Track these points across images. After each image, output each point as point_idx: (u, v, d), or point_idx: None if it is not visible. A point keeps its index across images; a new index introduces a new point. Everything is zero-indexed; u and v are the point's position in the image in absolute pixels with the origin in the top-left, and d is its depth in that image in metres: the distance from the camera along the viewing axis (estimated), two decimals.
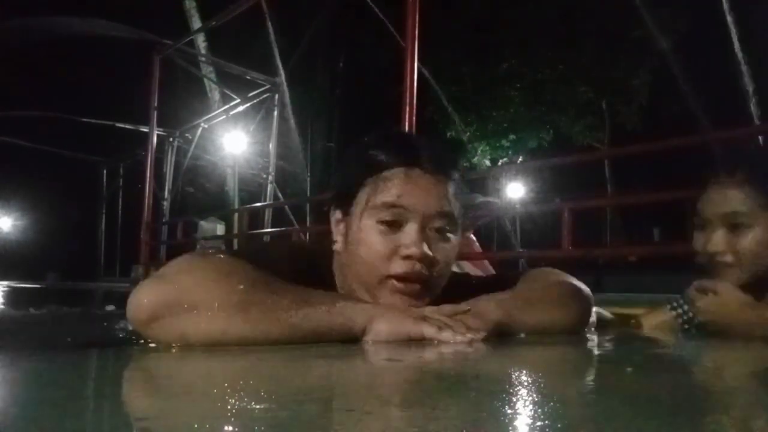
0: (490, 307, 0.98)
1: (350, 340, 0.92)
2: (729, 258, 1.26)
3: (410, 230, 0.94)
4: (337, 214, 1.03)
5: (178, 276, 0.88)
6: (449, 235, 0.99)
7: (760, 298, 1.29)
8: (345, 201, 1.00)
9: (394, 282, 0.95)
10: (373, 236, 0.95)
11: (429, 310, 0.95)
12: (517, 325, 1.00)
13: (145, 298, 0.86)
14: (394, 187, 0.94)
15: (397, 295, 0.95)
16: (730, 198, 1.26)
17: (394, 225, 0.95)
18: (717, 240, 1.27)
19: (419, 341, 0.91)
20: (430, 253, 0.94)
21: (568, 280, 1.13)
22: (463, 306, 0.96)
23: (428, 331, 0.90)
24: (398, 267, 0.94)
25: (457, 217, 1.00)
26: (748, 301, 1.22)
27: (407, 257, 0.93)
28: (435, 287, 0.98)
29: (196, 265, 0.90)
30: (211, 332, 0.83)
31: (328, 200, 1.07)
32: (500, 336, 0.98)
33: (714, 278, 1.29)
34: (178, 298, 0.84)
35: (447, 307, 0.95)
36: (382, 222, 0.94)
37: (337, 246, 1.02)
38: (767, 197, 1.25)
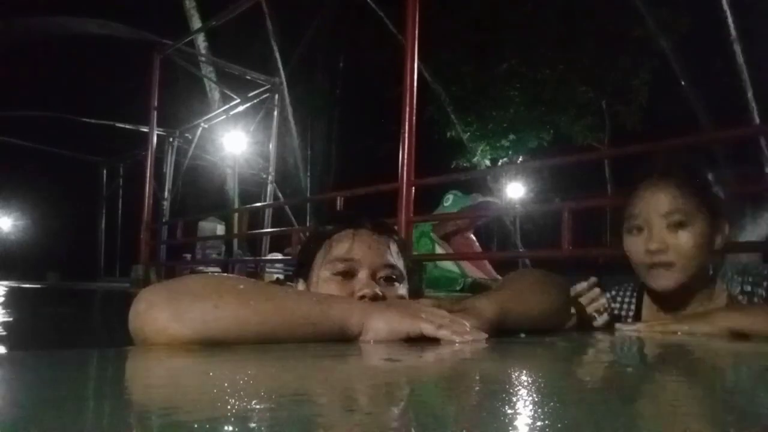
0: (483, 304, 1.01)
1: (347, 339, 0.92)
2: (671, 257, 1.26)
3: (362, 276, 1.08)
4: (299, 286, 1.17)
5: (179, 278, 0.92)
6: (396, 283, 1.12)
7: (688, 299, 1.30)
8: (305, 270, 1.15)
9: None
10: (330, 286, 1.08)
11: (427, 306, 0.96)
12: (509, 316, 1.03)
13: (144, 293, 0.87)
14: (345, 243, 1.10)
15: None
16: (668, 198, 1.27)
17: (347, 275, 1.09)
18: (660, 238, 1.26)
19: (418, 341, 0.91)
20: (380, 293, 1.06)
21: (548, 273, 1.21)
22: (459, 305, 0.99)
23: (427, 328, 0.91)
24: None
25: (402, 269, 1.14)
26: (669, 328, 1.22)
27: (362, 297, 1.04)
28: None
29: (196, 275, 0.95)
30: (205, 313, 0.84)
31: (293, 276, 1.21)
32: (496, 330, 1.00)
33: (650, 283, 1.30)
34: (175, 288, 0.87)
35: (444, 306, 0.98)
36: (337, 273, 1.09)
37: None
38: (702, 198, 1.26)
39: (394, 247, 1.15)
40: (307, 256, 1.16)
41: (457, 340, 0.90)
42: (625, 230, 1.36)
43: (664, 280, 1.28)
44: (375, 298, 1.04)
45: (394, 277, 1.11)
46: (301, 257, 1.19)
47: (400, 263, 1.14)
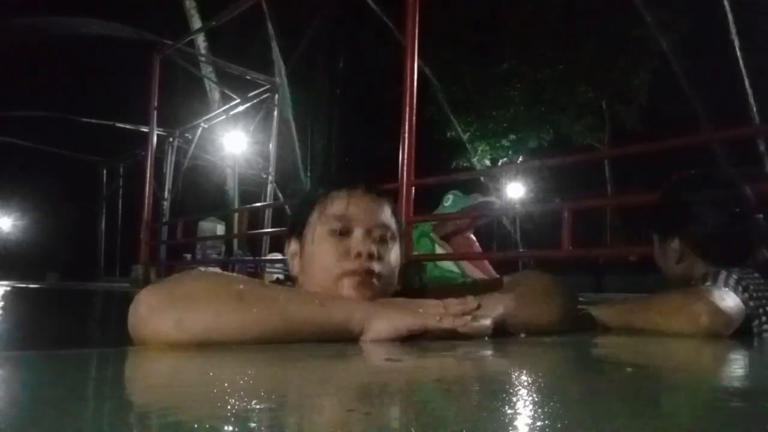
0: (492, 301, 1.03)
1: (350, 338, 0.92)
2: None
3: (357, 235, 1.09)
4: (292, 246, 1.17)
5: (177, 278, 0.93)
6: (389, 243, 1.13)
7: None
8: (298, 229, 1.15)
9: (348, 278, 1.06)
10: (326, 243, 1.10)
11: (427, 304, 0.98)
12: (513, 320, 1.04)
13: (144, 295, 0.88)
14: (341, 202, 1.11)
15: (353, 288, 1.06)
16: None
17: (342, 233, 1.09)
18: None
19: (420, 339, 0.92)
20: (374, 250, 1.08)
21: (556, 280, 1.19)
22: (471, 299, 0.99)
23: (429, 322, 0.92)
24: (350, 264, 1.06)
25: (395, 230, 1.16)
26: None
27: (358, 254, 1.06)
28: (384, 283, 1.10)
29: (196, 271, 0.96)
30: (206, 320, 0.85)
31: (286, 237, 1.21)
32: (498, 332, 1.01)
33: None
34: (176, 291, 0.87)
35: (453, 301, 0.98)
36: (332, 231, 1.10)
37: (295, 270, 1.16)
38: None
39: (387, 208, 1.16)
40: (301, 215, 1.16)
41: (460, 324, 0.92)
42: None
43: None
44: (370, 255, 1.07)
45: (388, 236, 1.13)
46: (295, 216, 1.19)
47: (393, 224, 1.15)
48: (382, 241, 1.11)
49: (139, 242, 8.39)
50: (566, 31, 13.86)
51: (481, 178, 12.98)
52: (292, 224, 1.19)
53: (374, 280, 1.07)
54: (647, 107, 14.23)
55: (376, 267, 1.07)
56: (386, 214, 1.15)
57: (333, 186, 1.15)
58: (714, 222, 1.36)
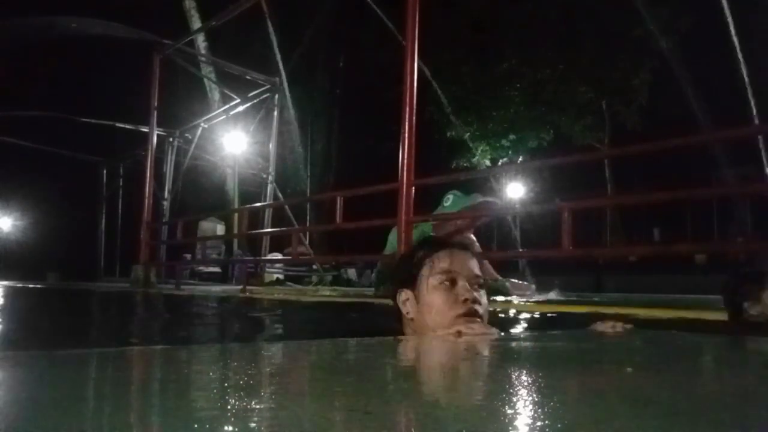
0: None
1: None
2: None
3: (462, 284, 1.39)
4: (404, 295, 1.45)
5: None
6: (481, 289, 1.44)
7: None
8: (409, 281, 1.44)
9: (461, 318, 1.34)
10: (439, 292, 1.39)
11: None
12: None
13: None
14: (446, 260, 1.41)
15: (464, 326, 1.32)
16: None
17: (450, 283, 1.39)
18: None
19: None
20: (477, 296, 1.38)
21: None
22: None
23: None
24: (461, 309, 1.36)
25: (482, 279, 1.46)
26: None
27: (465, 300, 1.36)
28: (485, 319, 1.40)
29: None
30: None
31: (393, 288, 1.49)
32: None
33: None
34: None
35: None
36: (442, 283, 1.39)
37: (411, 314, 1.42)
38: None
39: (475, 262, 1.48)
40: (412, 270, 1.44)
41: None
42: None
43: None
44: (474, 300, 1.36)
45: (481, 283, 1.43)
46: (407, 270, 1.47)
47: (480, 273, 1.46)
48: (479, 287, 1.42)
49: (139, 242, 8.38)
50: (566, 31, 13.84)
51: (488, 177, 12.98)
52: (405, 277, 1.46)
53: (478, 319, 1.36)
54: (647, 107, 14.21)
55: (479, 309, 1.37)
56: (477, 266, 1.46)
57: (437, 247, 1.46)
58: None
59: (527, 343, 1.06)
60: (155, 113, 8.78)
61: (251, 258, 10.94)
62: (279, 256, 10.89)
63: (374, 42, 13.68)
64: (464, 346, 1.10)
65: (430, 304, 1.39)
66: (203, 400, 0.55)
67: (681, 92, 9.48)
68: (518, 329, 2.24)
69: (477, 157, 14.79)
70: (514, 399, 0.57)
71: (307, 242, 11.33)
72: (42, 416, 0.46)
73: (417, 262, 1.45)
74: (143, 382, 0.71)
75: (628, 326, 1.38)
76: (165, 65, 9.01)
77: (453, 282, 1.39)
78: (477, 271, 1.45)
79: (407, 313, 1.43)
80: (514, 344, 1.01)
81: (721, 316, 2.08)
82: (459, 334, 1.28)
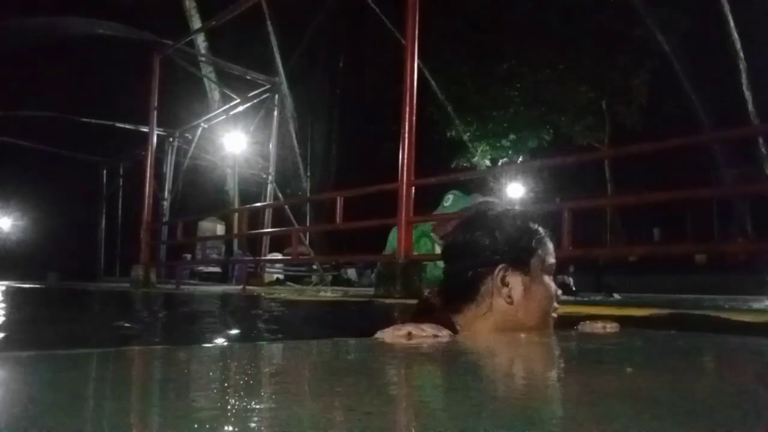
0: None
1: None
2: None
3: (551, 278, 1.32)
4: (508, 275, 1.28)
5: None
6: None
7: None
8: (520, 263, 1.29)
9: (552, 319, 1.29)
10: (546, 285, 1.29)
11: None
12: None
13: None
14: (551, 248, 1.33)
15: (554, 320, 1.30)
16: None
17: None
18: None
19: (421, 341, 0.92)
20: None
21: None
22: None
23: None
24: (554, 306, 1.30)
25: None
26: None
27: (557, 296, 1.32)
28: None
29: None
30: None
31: (489, 262, 1.31)
32: None
33: None
34: None
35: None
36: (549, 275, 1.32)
37: (513, 299, 1.26)
38: None
39: None
40: (527, 249, 1.30)
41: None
42: None
43: None
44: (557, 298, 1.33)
45: None
46: (519, 248, 1.30)
47: None
48: None
49: (139, 242, 8.38)
50: (566, 31, 13.85)
51: (487, 177, 12.98)
52: (509, 251, 1.30)
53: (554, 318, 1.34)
54: (647, 107, 14.22)
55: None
56: None
57: (539, 230, 1.33)
58: None
59: (526, 343, 1.06)
60: (155, 113, 8.78)
61: (251, 258, 10.94)
62: (279, 256, 10.89)
63: (374, 42, 13.68)
64: (456, 346, 1.09)
65: (540, 294, 1.27)
66: (203, 400, 0.55)
67: (681, 92, 9.48)
68: None
69: (477, 157, 14.78)
70: (514, 399, 0.57)
71: (307, 242, 11.34)
72: (42, 416, 0.46)
73: (534, 245, 1.30)
74: (143, 382, 0.71)
75: (614, 326, 1.33)
76: (165, 65, 9.01)
77: (551, 274, 1.32)
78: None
79: (509, 297, 1.24)
80: (512, 344, 1.02)
81: (704, 312, 2.09)
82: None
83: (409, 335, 1.07)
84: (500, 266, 1.24)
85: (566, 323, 1.39)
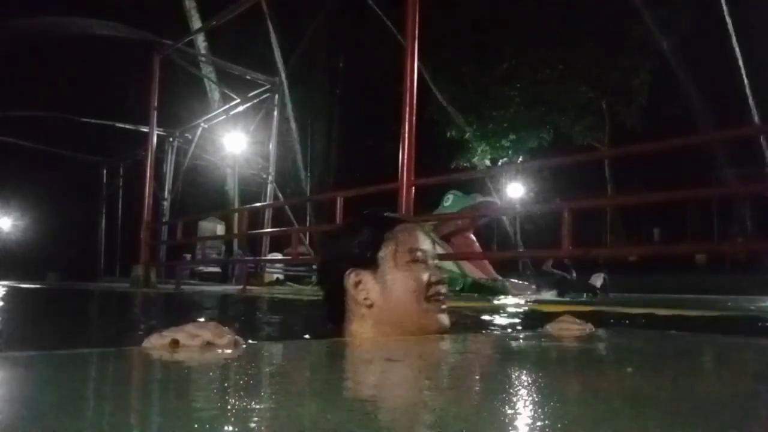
0: None
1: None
2: None
3: (430, 263, 1.25)
4: (355, 277, 1.23)
5: None
6: (438, 269, 1.32)
7: None
8: (366, 263, 1.24)
9: (432, 305, 1.22)
10: (409, 274, 1.23)
11: None
12: None
13: None
14: (409, 237, 1.26)
15: (438, 309, 1.22)
16: None
17: (417, 263, 1.24)
18: None
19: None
20: (441, 277, 1.27)
21: None
22: None
23: None
24: (431, 292, 1.22)
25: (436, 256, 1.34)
26: None
27: (435, 283, 1.23)
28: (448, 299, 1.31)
29: None
30: None
31: (331, 270, 1.27)
32: None
33: None
34: None
35: None
36: (409, 263, 1.23)
37: (371, 300, 1.22)
38: None
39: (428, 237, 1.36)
40: (366, 248, 1.25)
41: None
42: None
43: None
44: (439, 281, 1.25)
45: (437, 263, 1.32)
46: (358, 248, 1.26)
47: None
48: (436, 266, 1.30)
49: (139, 242, 8.38)
50: (566, 31, 13.85)
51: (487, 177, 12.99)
52: (349, 254, 1.26)
53: (443, 305, 1.26)
54: (647, 107, 14.22)
55: (443, 291, 1.26)
56: (430, 242, 1.34)
57: (389, 223, 1.29)
58: None
59: (525, 343, 1.06)
60: (155, 113, 8.79)
61: (251, 258, 10.94)
62: (279, 256, 10.89)
63: (374, 42, 13.68)
64: (444, 345, 1.09)
65: (399, 289, 1.20)
66: (203, 400, 0.55)
67: (681, 92, 9.48)
68: (493, 327, 2.23)
69: (477, 157, 14.78)
70: (514, 399, 0.57)
71: (307, 242, 11.34)
72: (42, 416, 0.46)
73: (373, 241, 1.24)
74: (143, 382, 0.71)
75: (586, 326, 1.24)
76: (165, 65, 9.01)
77: (419, 262, 1.23)
78: (432, 248, 1.30)
79: (365, 299, 1.20)
80: (511, 344, 1.02)
81: (686, 311, 2.09)
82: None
83: (176, 344, 0.84)
84: (348, 270, 1.21)
85: (537, 322, 1.38)
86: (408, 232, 1.26)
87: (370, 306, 1.20)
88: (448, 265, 9.03)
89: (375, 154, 13.62)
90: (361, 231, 1.27)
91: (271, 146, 11.86)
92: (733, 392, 0.68)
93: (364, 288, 1.20)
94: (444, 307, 1.23)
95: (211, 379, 0.69)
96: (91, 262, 15.88)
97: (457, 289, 8.28)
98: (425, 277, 1.22)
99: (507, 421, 0.48)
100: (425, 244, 1.26)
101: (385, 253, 1.22)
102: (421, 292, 1.20)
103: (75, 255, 15.53)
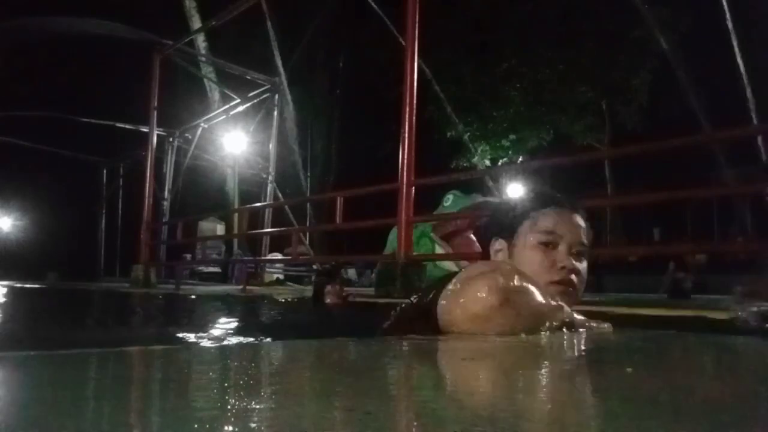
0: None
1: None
2: None
3: (563, 250, 1.29)
4: (498, 245, 1.37)
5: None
6: (583, 257, 1.33)
7: None
8: (508, 233, 1.34)
9: (555, 286, 1.25)
10: (536, 253, 1.29)
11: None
12: None
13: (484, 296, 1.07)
14: (551, 218, 1.31)
15: (558, 295, 1.22)
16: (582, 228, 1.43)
17: (549, 246, 1.29)
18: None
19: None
20: (575, 265, 1.28)
21: None
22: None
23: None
24: (556, 275, 1.27)
25: (588, 245, 1.35)
26: None
27: (562, 268, 1.27)
28: (579, 292, 1.31)
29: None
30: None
31: (489, 235, 1.40)
32: None
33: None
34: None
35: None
36: (542, 243, 1.29)
37: None
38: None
39: (585, 225, 1.36)
40: (513, 222, 1.35)
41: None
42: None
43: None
44: (572, 270, 1.27)
45: (585, 252, 1.33)
46: (505, 221, 1.36)
47: (588, 238, 1.35)
48: (579, 255, 1.31)
49: (139, 242, 8.38)
50: (566, 31, 13.84)
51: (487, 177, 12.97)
52: (501, 226, 1.37)
53: (572, 290, 1.28)
54: (647, 107, 14.21)
55: (575, 279, 1.28)
56: (585, 232, 1.34)
57: (544, 202, 1.35)
58: None
59: (525, 344, 1.05)
60: (155, 113, 8.78)
61: (251, 258, 10.93)
62: (279, 256, 10.88)
63: (374, 42, 13.67)
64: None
65: (525, 263, 1.26)
66: (203, 400, 0.55)
67: (681, 92, 9.47)
68: None
69: (477, 157, 14.78)
70: (514, 399, 0.57)
71: (307, 242, 11.34)
72: (42, 416, 0.46)
73: (519, 214, 1.34)
74: (143, 382, 0.71)
75: (604, 326, 1.27)
76: (165, 65, 9.00)
77: (554, 245, 1.28)
78: (584, 237, 1.33)
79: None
80: (511, 344, 1.01)
81: (654, 311, 2.08)
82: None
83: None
84: (492, 240, 1.37)
85: None
86: (552, 215, 1.31)
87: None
88: (448, 265, 9.02)
89: (375, 154, 13.62)
90: (516, 205, 1.39)
91: (271, 146, 11.86)
92: (733, 391, 0.68)
93: (500, 256, 1.34)
94: (569, 296, 1.24)
95: (211, 380, 0.69)
96: (91, 262, 15.87)
97: None
98: (552, 259, 1.27)
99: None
100: (567, 228, 1.30)
101: (522, 229, 1.32)
102: (545, 273, 1.25)
103: (75, 255, 15.52)
